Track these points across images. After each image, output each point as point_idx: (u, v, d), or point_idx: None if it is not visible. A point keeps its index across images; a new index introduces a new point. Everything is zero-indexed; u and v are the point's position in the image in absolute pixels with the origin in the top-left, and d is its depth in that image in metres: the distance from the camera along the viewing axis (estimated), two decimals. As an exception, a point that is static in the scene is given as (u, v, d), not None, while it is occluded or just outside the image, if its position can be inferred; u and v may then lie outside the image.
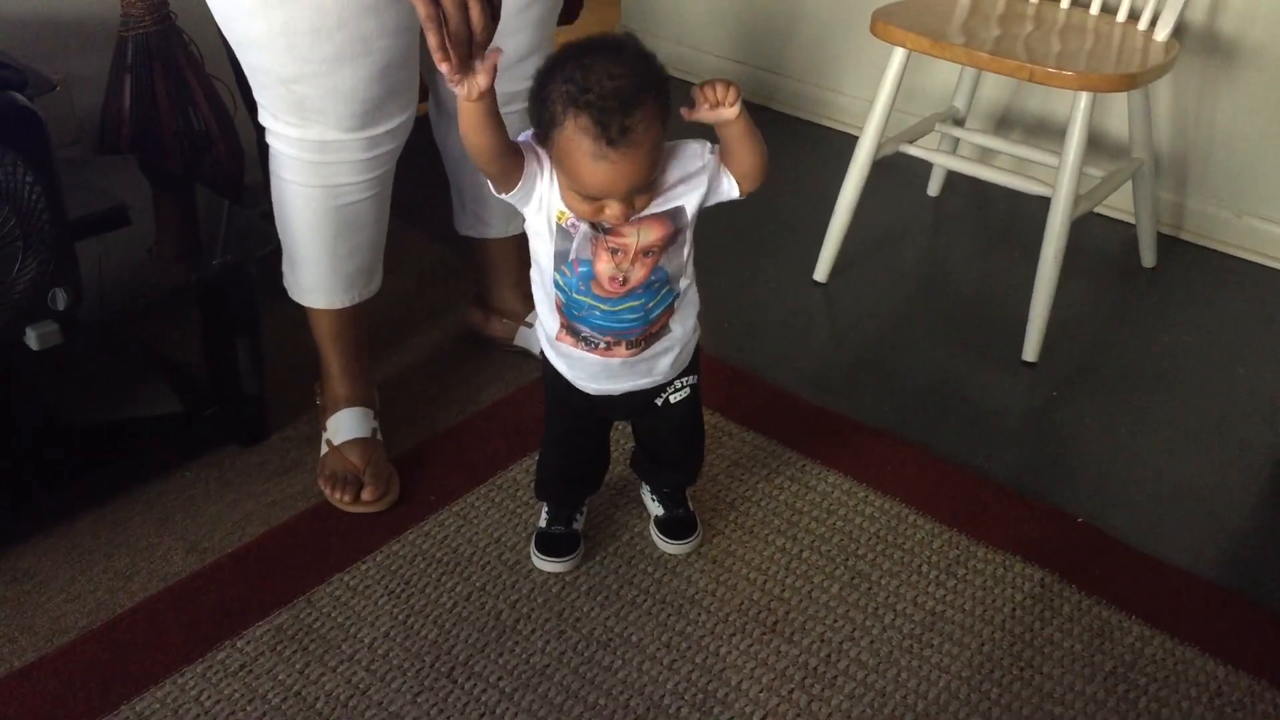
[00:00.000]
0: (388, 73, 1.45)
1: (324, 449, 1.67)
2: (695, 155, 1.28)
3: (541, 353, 1.43)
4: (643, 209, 1.23)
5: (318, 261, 1.61)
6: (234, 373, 1.72)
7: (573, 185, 1.20)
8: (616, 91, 1.14)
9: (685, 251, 1.31)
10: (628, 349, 1.33)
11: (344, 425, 1.67)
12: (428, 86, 1.73)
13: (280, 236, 1.63)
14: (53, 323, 1.45)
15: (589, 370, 1.37)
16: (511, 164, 1.23)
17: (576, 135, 1.16)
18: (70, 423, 1.68)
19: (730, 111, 1.22)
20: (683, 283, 1.33)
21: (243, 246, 1.72)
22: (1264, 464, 1.79)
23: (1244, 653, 1.44)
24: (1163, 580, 1.55)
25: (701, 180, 1.28)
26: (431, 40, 1.14)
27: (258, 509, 1.62)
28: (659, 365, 1.38)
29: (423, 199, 2.01)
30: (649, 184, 1.22)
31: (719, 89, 1.21)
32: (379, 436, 1.69)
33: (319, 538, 1.58)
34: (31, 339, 1.44)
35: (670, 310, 1.33)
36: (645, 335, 1.33)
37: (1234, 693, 1.39)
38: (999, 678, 1.41)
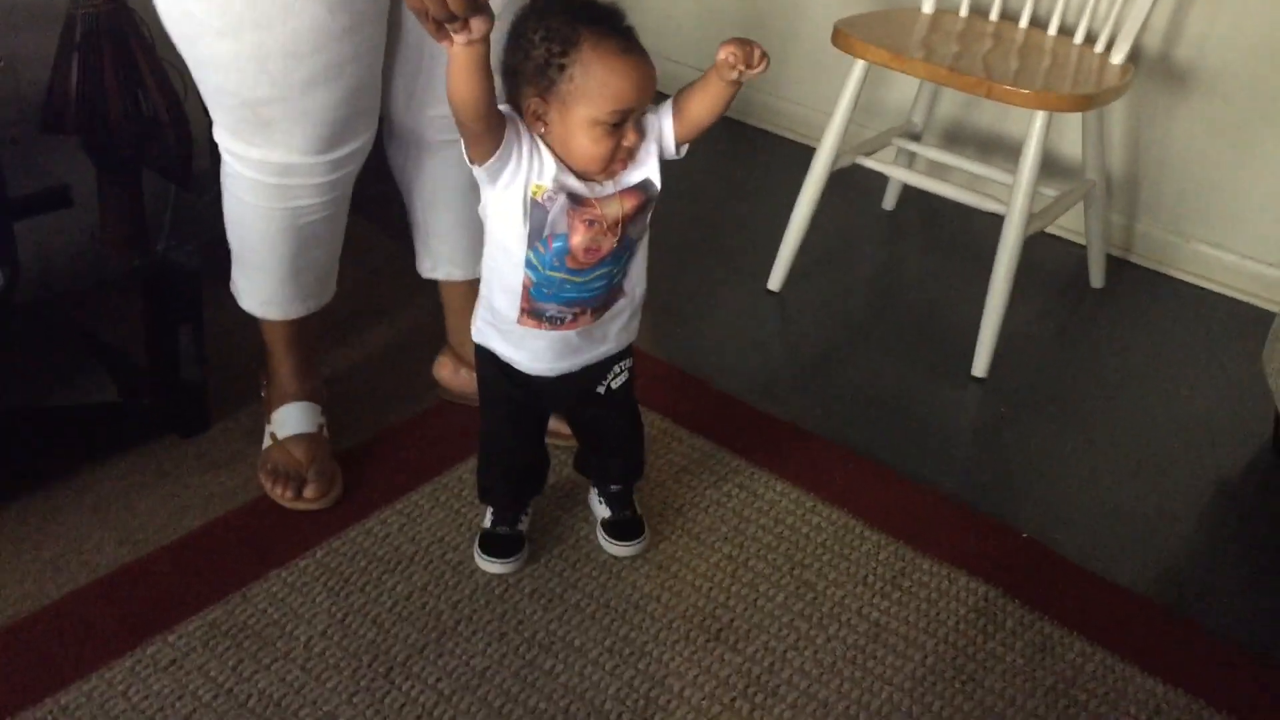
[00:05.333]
0: (356, 95, 1.42)
1: (267, 442, 1.64)
2: (655, 119, 1.29)
3: (478, 352, 1.41)
4: (639, 145, 1.26)
5: (274, 276, 1.57)
6: (175, 361, 1.68)
7: (603, 106, 1.20)
8: (609, 6, 1.22)
9: (648, 217, 1.33)
10: (591, 316, 1.35)
11: (289, 419, 1.64)
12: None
13: (232, 248, 1.58)
14: (-13, 303, 1.41)
15: (553, 349, 1.36)
16: (495, 124, 1.21)
17: (601, 42, 1.19)
18: (3, 407, 1.63)
19: (752, 74, 1.23)
20: (639, 244, 1.35)
21: (188, 233, 1.68)
22: (1206, 485, 1.81)
23: (1183, 672, 1.45)
24: (1104, 597, 1.56)
25: (653, 141, 1.29)
26: (429, 28, 1.12)
27: (196, 501, 1.59)
28: (611, 330, 1.39)
29: (373, 193, 1.98)
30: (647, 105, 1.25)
31: (755, 53, 1.22)
32: (325, 432, 1.66)
33: (258, 532, 1.54)
34: (-36, 318, 1.40)
35: (626, 273, 1.36)
36: (606, 300, 1.35)
37: (1172, 710, 1.40)
38: (941, 690, 1.40)
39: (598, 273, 1.31)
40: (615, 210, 1.27)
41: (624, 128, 1.23)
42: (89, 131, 1.87)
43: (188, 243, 1.64)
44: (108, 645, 1.37)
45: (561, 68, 1.20)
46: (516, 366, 1.39)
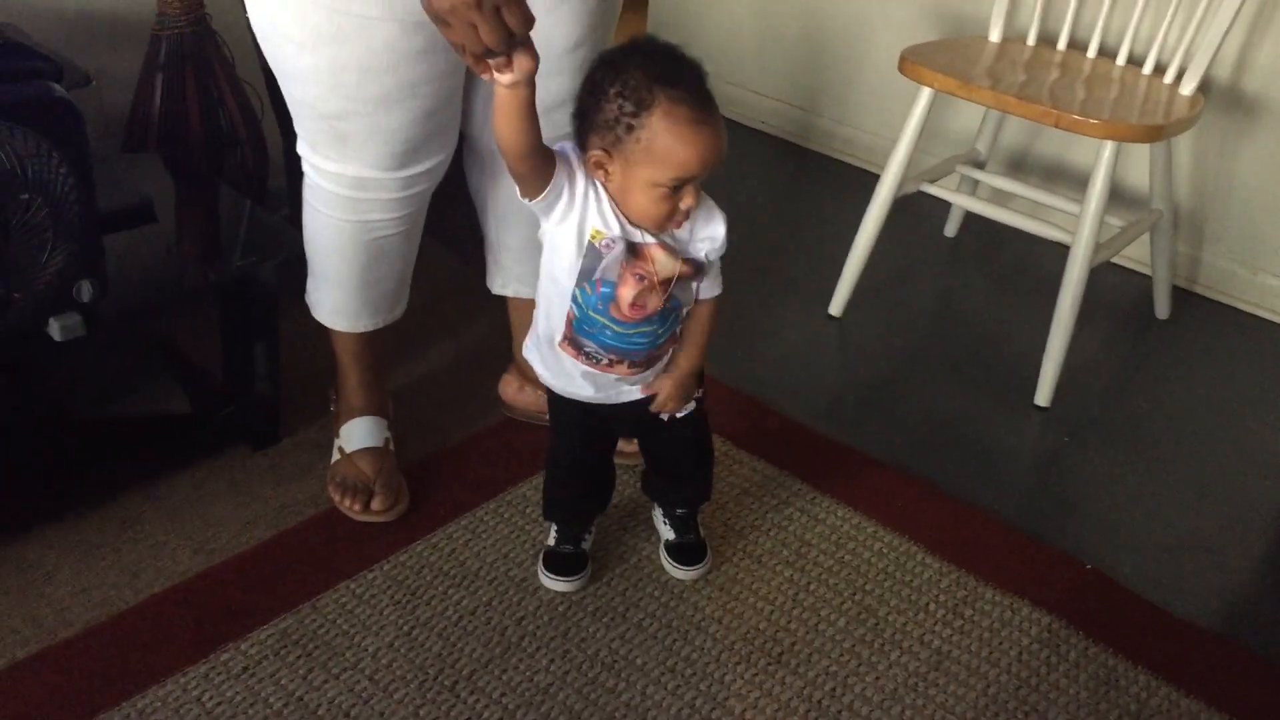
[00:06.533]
0: (432, 116, 1.44)
1: (335, 456, 1.67)
2: (718, 222, 1.32)
3: None
4: (695, 207, 1.27)
5: (344, 287, 1.61)
6: (249, 375, 1.72)
7: (665, 171, 1.21)
8: (691, 66, 1.22)
9: (695, 285, 1.35)
10: (629, 368, 1.35)
11: (357, 433, 1.67)
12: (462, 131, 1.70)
13: (307, 258, 1.62)
14: (76, 314, 1.45)
15: (586, 378, 1.37)
16: (542, 165, 1.23)
17: (675, 108, 1.19)
18: (83, 417, 1.68)
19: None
20: (686, 310, 1.36)
21: (263, 250, 1.72)
22: (1272, 518, 1.79)
23: (1248, 707, 1.43)
24: (1170, 630, 1.55)
25: (710, 252, 1.33)
26: (468, 62, 1.14)
27: (267, 512, 1.62)
28: (650, 377, 1.40)
29: (439, 211, 2.01)
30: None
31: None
32: (391, 446, 1.68)
33: (327, 544, 1.57)
34: (55, 329, 1.44)
35: (674, 336, 1.36)
36: (649, 358, 1.35)
37: (1238, 747, 1.39)
38: (1003, 720, 1.40)
39: (641, 329, 1.32)
40: (670, 269, 1.29)
41: (684, 190, 1.23)
42: (171, 149, 1.92)
43: (262, 260, 1.68)
44: (183, 651, 1.40)
45: (630, 128, 1.20)
46: (554, 390, 1.41)
